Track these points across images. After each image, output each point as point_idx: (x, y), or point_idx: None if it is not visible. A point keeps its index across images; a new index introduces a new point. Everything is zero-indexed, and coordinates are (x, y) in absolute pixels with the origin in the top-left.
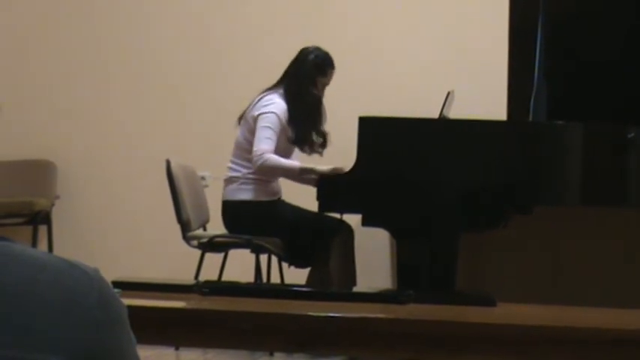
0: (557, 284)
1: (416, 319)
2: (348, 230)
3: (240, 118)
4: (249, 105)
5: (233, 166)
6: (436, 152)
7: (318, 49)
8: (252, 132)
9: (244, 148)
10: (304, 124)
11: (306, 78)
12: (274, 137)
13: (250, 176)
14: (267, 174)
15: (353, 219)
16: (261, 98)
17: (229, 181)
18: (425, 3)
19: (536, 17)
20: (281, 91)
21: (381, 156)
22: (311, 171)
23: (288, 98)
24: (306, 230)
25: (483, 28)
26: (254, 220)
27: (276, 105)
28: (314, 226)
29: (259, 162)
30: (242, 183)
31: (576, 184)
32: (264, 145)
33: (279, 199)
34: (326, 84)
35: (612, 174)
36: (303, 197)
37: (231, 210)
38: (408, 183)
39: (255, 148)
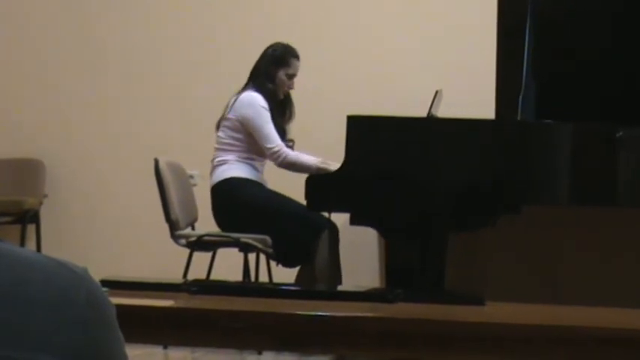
0: (549, 284)
1: (404, 318)
2: (333, 227)
3: (219, 123)
4: (227, 107)
5: (219, 157)
6: (424, 151)
7: (278, 43)
8: (238, 130)
9: (229, 143)
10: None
11: (264, 72)
12: (274, 130)
13: (238, 159)
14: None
15: (340, 217)
16: (238, 98)
17: (218, 165)
18: (414, 2)
19: (524, 16)
20: (252, 87)
21: (370, 155)
22: (325, 170)
23: (257, 92)
24: (293, 225)
25: (472, 27)
26: (244, 196)
27: (259, 99)
28: (301, 222)
29: (280, 158)
30: (231, 164)
31: (564, 183)
32: (278, 141)
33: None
34: (292, 74)
35: (601, 173)
36: (292, 194)
37: (222, 190)
38: (396, 182)
39: (269, 145)
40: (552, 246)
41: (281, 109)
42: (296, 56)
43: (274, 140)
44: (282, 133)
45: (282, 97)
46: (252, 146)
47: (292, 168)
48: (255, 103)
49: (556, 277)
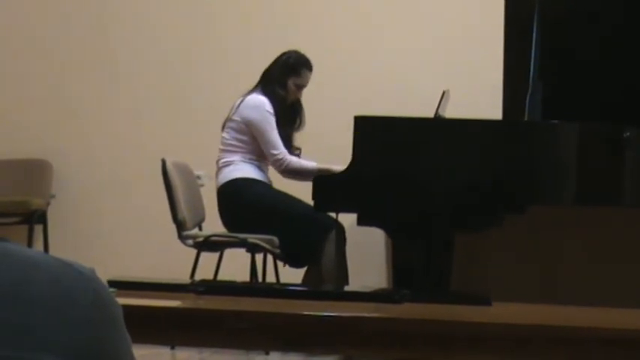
0: (550, 284)
1: (411, 319)
2: (340, 228)
3: (224, 124)
4: (232, 108)
5: (224, 158)
6: (431, 151)
7: (295, 51)
8: (243, 132)
9: (234, 144)
10: (277, 123)
11: (276, 78)
12: (278, 135)
13: (243, 159)
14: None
15: (347, 218)
16: (245, 100)
17: (224, 166)
18: (420, 2)
19: (531, 16)
20: (260, 91)
21: (377, 155)
22: (327, 171)
23: (265, 96)
24: (300, 226)
25: (479, 27)
26: (251, 196)
27: (266, 103)
28: (308, 223)
29: (283, 166)
30: (237, 164)
31: (571, 183)
32: (282, 148)
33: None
34: (302, 85)
35: (607, 173)
36: (298, 194)
37: (229, 190)
38: (403, 182)
39: (274, 151)
40: (553, 246)
41: (291, 117)
42: (309, 68)
43: (278, 147)
44: (289, 140)
45: (289, 104)
46: (256, 148)
47: (294, 174)
48: (261, 106)
49: (557, 277)
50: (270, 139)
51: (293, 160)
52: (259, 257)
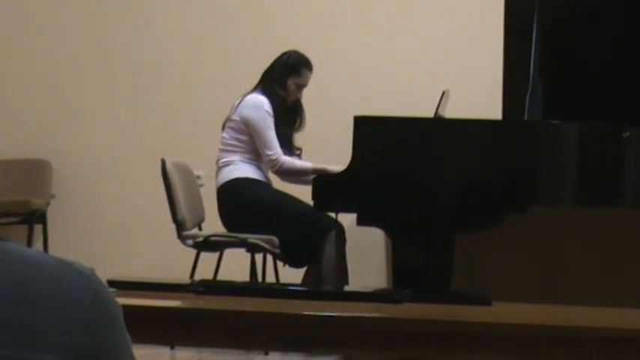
0: (550, 284)
1: (411, 319)
2: (340, 228)
3: (224, 124)
4: (232, 108)
5: (224, 158)
6: (431, 151)
7: (295, 51)
8: (242, 131)
9: (233, 144)
10: (277, 123)
11: (276, 78)
12: (275, 137)
13: (242, 159)
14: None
15: (347, 218)
16: (245, 99)
17: (224, 166)
18: (420, 2)
19: (531, 16)
20: (260, 91)
21: (376, 155)
22: (322, 171)
23: (265, 96)
24: (300, 226)
25: (479, 27)
26: (251, 196)
27: (265, 103)
28: (308, 223)
29: (277, 166)
30: (236, 164)
31: (571, 183)
32: (277, 148)
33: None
34: (302, 85)
35: (607, 173)
36: (298, 194)
37: (228, 190)
38: (402, 182)
39: (269, 152)
40: (553, 246)
41: (291, 118)
42: (309, 67)
43: (273, 147)
44: (289, 140)
45: (289, 104)
46: (256, 147)
47: (289, 175)
48: (260, 106)
49: (557, 277)
50: (265, 139)
51: (287, 160)
52: (259, 257)
